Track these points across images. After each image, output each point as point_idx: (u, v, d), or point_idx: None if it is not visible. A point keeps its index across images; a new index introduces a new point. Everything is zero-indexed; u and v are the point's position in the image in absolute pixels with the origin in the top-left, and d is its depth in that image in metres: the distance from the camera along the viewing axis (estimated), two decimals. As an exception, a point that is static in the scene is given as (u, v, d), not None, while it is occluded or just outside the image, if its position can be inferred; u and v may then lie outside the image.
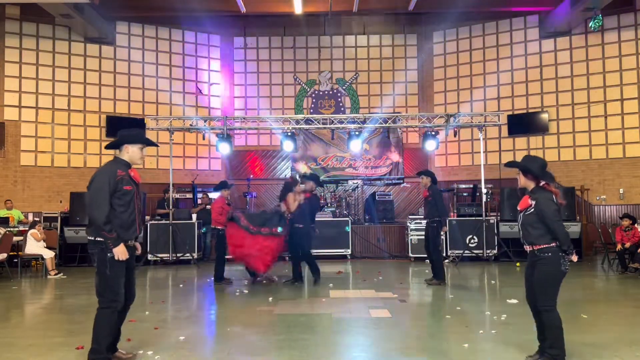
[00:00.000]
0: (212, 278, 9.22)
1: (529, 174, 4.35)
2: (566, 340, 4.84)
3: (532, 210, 4.25)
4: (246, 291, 8.18)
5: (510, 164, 4.58)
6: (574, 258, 4.26)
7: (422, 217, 10.34)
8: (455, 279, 9.46)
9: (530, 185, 4.37)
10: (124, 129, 4.59)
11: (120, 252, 4.13)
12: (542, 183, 4.33)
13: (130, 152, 4.36)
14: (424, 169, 10.34)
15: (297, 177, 9.74)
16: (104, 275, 4.15)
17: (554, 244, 4.18)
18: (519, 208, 4.46)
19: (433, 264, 8.67)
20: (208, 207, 12.82)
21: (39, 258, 10.46)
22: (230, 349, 5.06)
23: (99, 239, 4.14)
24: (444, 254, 11.77)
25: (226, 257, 9.01)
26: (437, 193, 8.72)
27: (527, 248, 4.34)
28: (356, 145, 12.31)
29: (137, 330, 5.52)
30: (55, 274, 9.95)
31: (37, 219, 11.57)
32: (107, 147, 4.72)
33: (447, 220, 9.11)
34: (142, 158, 4.45)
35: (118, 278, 4.18)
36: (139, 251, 4.50)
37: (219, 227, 9.07)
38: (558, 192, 4.33)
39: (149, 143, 4.53)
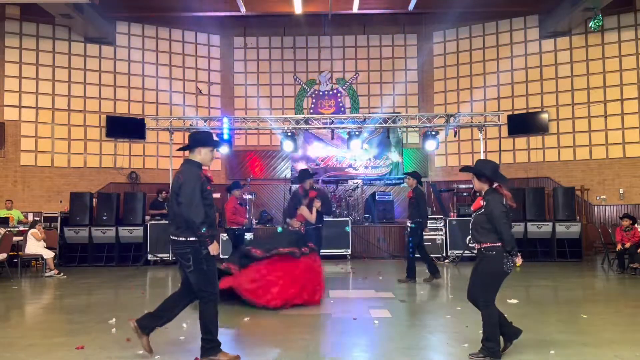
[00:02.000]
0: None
1: (482, 177, 4.59)
2: (566, 340, 4.85)
3: (483, 210, 4.48)
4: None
5: (465, 169, 4.87)
6: (519, 261, 4.45)
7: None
8: (455, 279, 9.47)
9: (484, 187, 4.60)
10: (194, 132, 4.85)
11: (215, 248, 4.39)
12: (495, 185, 4.54)
13: (203, 154, 4.56)
14: (412, 171, 10.43)
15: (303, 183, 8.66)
16: (202, 271, 4.38)
17: (499, 244, 4.40)
18: (472, 209, 4.74)
19: (426, 264, 8.90)
20: None
21: (38, 258, 10.46)
22: (230, 349, 5.06)
23: (191, 238, 4.32)
24: (444, 254, 11.82)
25: None
26: (420, 195, 8.93)
27: (476, 246, 4.59)
28: (356, 145, 12.31)
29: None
30: (57, 274, 9.95)
31: (37, 218, 11.58)
32: (179, 149, 4.98)
33: (427, 222, 9.37)
34: (212, 159, 4.67)
35: (214, 272, 4.49)
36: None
37: (234, 227, 9.16)
38: (509, 194, 4.53)
39: (218, 145, 4.88)
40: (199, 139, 4.59)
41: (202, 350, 4.40)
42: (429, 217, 11.26)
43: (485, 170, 4.57)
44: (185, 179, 4.36)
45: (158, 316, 4.56)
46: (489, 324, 4.40)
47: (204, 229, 4.27)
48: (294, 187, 13.42)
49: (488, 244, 4.43)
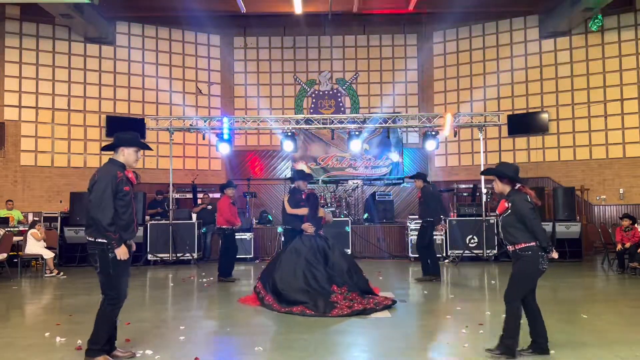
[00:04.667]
0: (211, 278, 9.22)
1: (504, 179, 4.62)
2: (566, 340, 4.85)
3: (509, 211, 4.49)
4: (247, 290, 8.17)
5: (487, 172, 4.92)
6: (555, 255, 4.49)
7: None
8: (455, 279, 9.46)
9: (507, 189, 4.63)
10: (120, 131, 4.75)
11: (122, 253, 4.28)
12: (518, 186, 4.58)
13: (126, 155, 4.50)
14: (415, 173, 10.45)
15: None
16: (107, 275, 4.30)
17: (534, 243, 4.39)
18: (497, 212, 4.75)
19: (422, 262, 9.00)
20: (209, 207, 12.84)
21: (38, 258, 10.46)
22: (230, 349, 5.06)
23: (100, 240, 4.24)
24: (444, 254, 11.82)
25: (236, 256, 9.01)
26: (428, 194, 9.00)
27: (510, 248, 4.56)
28: (356, 145, 12.31)
29: (137, 330, 5.52)
30: (57, 274, 9.96)
31: (36, 218, 11.58)
32: (103, 149, 4.99)
33: (442, 220, 9.36)
34: (136, 161, 4.58)
35: (121, 277, 4.37)
36: (134, 248, 4.58)
37: (224, 227, 9.10)
38: (533, 192, 4.55)
39: (144, 146, 4.69)
40: (123, 138, 4.54)
41: (86, 351, 4.34)
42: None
43: (507, 171, 4.61)
44: (99, 177, 4.31)
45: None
46: (510, 321, 4.42)
47: (113, 230, 4.20)
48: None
49: (523, 245, 4.42)
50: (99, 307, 4.38)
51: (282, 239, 10.77)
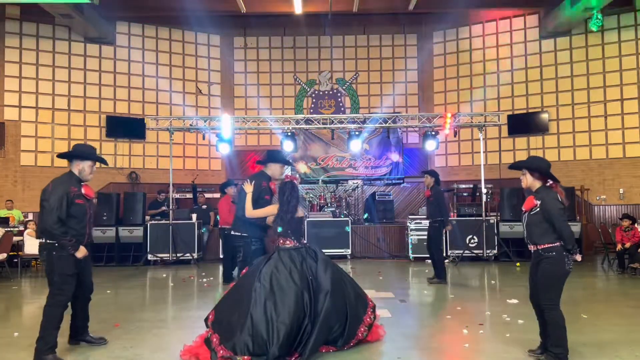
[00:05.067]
0: (211, 278, 9.21)
1: (536, 173, 4.37)
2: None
3: (538, 209, 4.26)
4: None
5: (517, 165, 4.58)
6: (578, 257, 4.27)
7: (424, 217, 10.53)
8: (456, 279, 9.45)
9: (536, 185, 4.39)
10: (78, 144, 4.95)
11: (81, 252, 4.63)
12: (550, 183, 4.34)
13: (81, 167, 4.68)
14: (429, 169, 10.40)
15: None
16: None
17: (558, 244, 4.19)
18: (524, 208, 4.47)
19: (435, 264, 8.74)
20: (204, 207, 12.85)
21: (39, 258, 10.44)
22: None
23: (49, 241, 4.54)
24: (444, 254, 11.80)
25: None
26: (439, 193, 8.88)
27: (532, 247, 4.36)
28: (356, 145, 12.31)
29: (137, 330, 5.52)
30: None
31: (29, 218, 11.63)
32: (59, 156, 5.04)
33: (449, 220, 9.22)
34: (91, 174, 4.74)
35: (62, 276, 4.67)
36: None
37: (226, 227, 9.03)
38: (563, 192, 4.34)
39: (101, 161, 4.89)
40: (80, 150, 4.69)
41: (35, 352, 4.39)
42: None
43: (541, 166, 4.36)
44: (52, 187, 4.55)
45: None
46: (555, 327, 4.18)
47: (60, 235, 4.43)
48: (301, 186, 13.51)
49: (546, 245, 4.22)
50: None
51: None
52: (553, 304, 4.22)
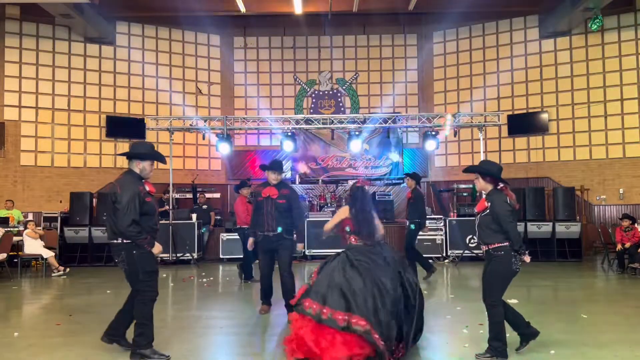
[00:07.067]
0: (211, 278, 9.21)
1: (487, 177, 4.59)
2: (566, 340, 4.84)
3: (488, 211, 4.47)
4: (248, 290, 8.17)
5: (470, 169, 4.83)
6: (527, 259, 4.48)
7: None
8: (455, 279, 9.46)
9: (488, 187, 4.60)
10: (137, 143, 4.92)
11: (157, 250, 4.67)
12: (501, 185, 4.56)
13: (141, 167, 4.66)
14: (411, 172, 10.49)
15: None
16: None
17: (506, 244, 4.40)
18: (476, 210, 4.72)
19: (420, 263, 8.87)
20: (204, 207, 12.85)
21: (38, 258, 10.46)
22: (230, 349, 5.07)
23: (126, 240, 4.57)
24: (444, 254, 11.83)
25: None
26: (419, 195, 9.06)
27: (483, 248, 4.57)
28: (356, 145, 12.31)
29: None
30: (64, 270, 10.01)
31: (29, 219, 11.63)
32: (121, 154, 5.07)
33: (426, 222, 9.41)
34: (152, 172, 4.76)
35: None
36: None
37: (244, 227, 9.01)
38: (513, 195, 4.53)
39: (158, 159, 4.78)
40: (137, 152, 4.64)
41: (134, 345, 4.53)
42: (428, 217, 11.28)
43: (492, 170, 4.59)
44: (120, 189, 4.47)
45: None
46: (495, 323, 4.41)
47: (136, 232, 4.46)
48: (301, 187, 13.53)
49: (496, 245, 4.44)
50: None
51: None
52: (496, 303, 4.42)
